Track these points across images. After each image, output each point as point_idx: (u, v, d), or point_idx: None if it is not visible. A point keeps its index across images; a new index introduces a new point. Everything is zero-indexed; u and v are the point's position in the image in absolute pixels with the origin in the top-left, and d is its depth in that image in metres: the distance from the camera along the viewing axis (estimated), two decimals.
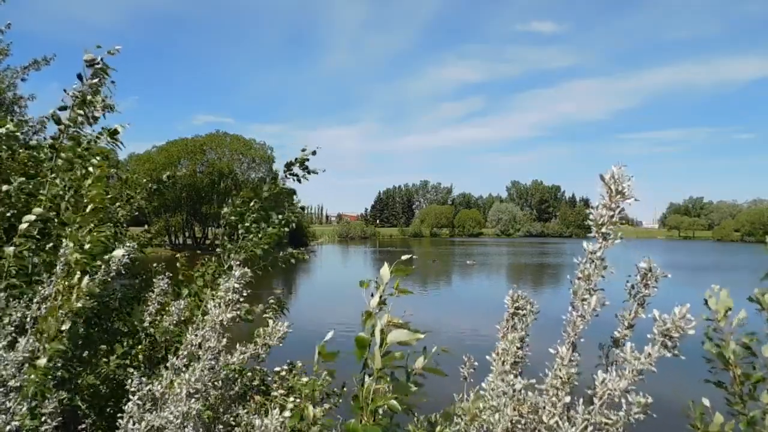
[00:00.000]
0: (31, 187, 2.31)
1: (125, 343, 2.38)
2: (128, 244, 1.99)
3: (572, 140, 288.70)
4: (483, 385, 1.30)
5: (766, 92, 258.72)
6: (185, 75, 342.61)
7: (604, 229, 1.05)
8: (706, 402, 1.24)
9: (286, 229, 3.12)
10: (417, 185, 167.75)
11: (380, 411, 1.34)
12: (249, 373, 2.29)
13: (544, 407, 1.08)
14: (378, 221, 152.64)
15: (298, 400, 2.09)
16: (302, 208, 3.79)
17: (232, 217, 2.98)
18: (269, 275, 3.21)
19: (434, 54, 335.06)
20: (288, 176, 3.08)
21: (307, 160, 3.05)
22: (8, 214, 2.22)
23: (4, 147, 2.42)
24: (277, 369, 2.92)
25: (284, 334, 1.93)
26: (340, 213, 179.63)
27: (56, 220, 2.26)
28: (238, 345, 1.95)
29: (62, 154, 2.35)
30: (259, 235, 2.96)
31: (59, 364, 1.70)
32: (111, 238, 2.28)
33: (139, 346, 2.43)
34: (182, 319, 2.46)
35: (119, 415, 1.43)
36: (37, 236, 2.16)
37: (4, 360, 1.45)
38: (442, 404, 1.57)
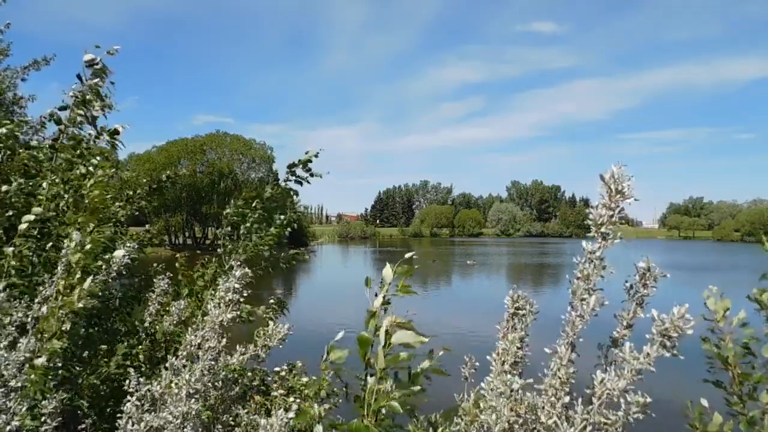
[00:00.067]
0: (31, 187, 2.31)
1: (125, 343, 2.39)
2: (129, 245, 1.99)
3: (572, 140, 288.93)
4: (483, 385, 1.30)
5: (766, 92, 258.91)
6: (185, 75, 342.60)
7: (603, 229, 1.05)
8: (705, 402, 1.24)
9: (289, 230, 3.13)
10: (417, 185, 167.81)
11: (382, 411, 1.34)
12: (249, 374, 2.29)
13: (543, 407, 1.08)
14: (378, 221, 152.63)
15: (299, 400, 2.09)
16: (306, 207, 3.80)
17: (234, 218, 2.99)
18: (269, 275, 3.21)
19: (434, 54, 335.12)
20: (291, 179, 3.08)
21: (310, 161, 3.05)
22: (8, 214, 2.22)
23: (2, 147, 2.42)
24: (277, 369, 2.92)
25: (284, 336, 1.93)
26: (340, 213, 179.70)
27: (56, 220, 2.26)
28: (238, 346, 1.95)
29: (62, 154, 2.36)
30: (261, 236, 2.97)
31: (59, 364, 1.70)
32: (111, 238, 2.28)
33: (140, 346, 2.43)
34: (182, 319, 2.46)
35: (119, 415, 1.43)
36: (37, 236, 2.17)
37: (5, 360, 1.45)
38: (442, 404, 1.57)
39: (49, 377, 1.59)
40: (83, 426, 2.05)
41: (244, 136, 68.67)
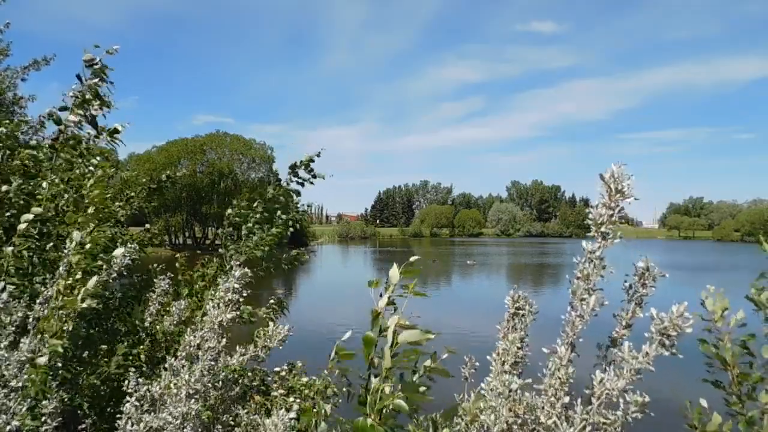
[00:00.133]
0: (30, 187, 2.31)
1: (126, 343, 2.39)
2: (130, 246, 1.99)
3: (572, 140, 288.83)
4: (483, 385, 1.30)
5: (766, 92, 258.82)
6: (185, 75, 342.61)
7: (603, 228, 1.04)
8: (704, 403, 1.24)
9: (292, 230, 3.13)
10: (417, 185, 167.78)
11: (385, 411, 1.34)
12: (249, 374, 2.29)
13: (543, 407, 1.08)
14: (378, 221, 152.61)
15: (299, 400, 2.09)
16: (309, 205, 3.80)
17: (236, 218, 3.00)
18: (269, 275, 3.22)
19: (434, 54, 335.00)
20: (294, 181, 3.09)
21: (312, 161, 3.06)
22: (8, 215, 2.22)
23: (2, 147, 2.42)
24: (277, 369, 2.92)
25: (284, 337, 1.93)
26: (340, 213, 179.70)
27: (56, 219, 2.26)
28: (238, 347, 1.95)
29: (62, 154, 2.36)
30: (261, 236, 2.97)
31: (59, 364, 1.70)
32: (111, 238, 2.29)
33: (141, 346, 2.43)
34: (182, 319, 2.46)
35: (119, 415, 1.43)
36: (36, 236, 2.17)
37: (6, 360, 1.45)
38: (442, 404, 1.57)
39: (50, 377, 1.59)
40: (83, 426, 2.05)
41: (244, 136, 68.79)
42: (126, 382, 1.51)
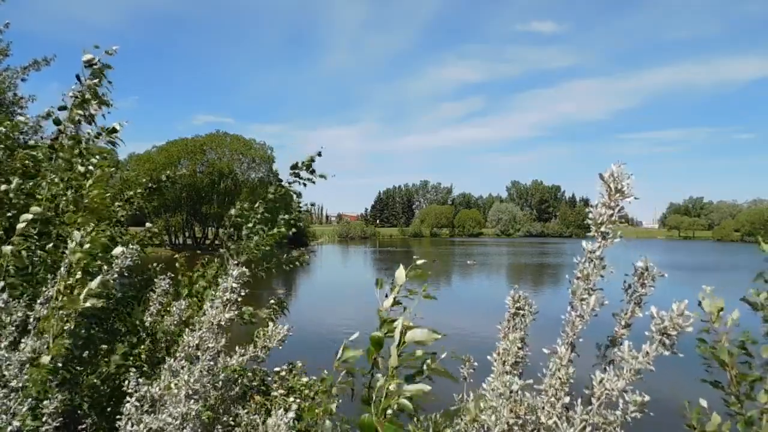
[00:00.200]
0: (30, 187, 2.31)
1: (126, 343, 2.39)
2: (132, 246, 1.99)
3: (572, 140, 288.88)
4: (484, 385, 1.30)
5: (766, 92, 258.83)
6: (185, 75, 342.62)
7: (603, 228, 1.04)
8: (704, 403, 1.24)
9: (293, 230, 3.14)
10: (417, 185, 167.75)
11: (389, 410, 1.34)
12: (249, 374, 2.29)
13: (543, 407, 1.08)
14: (378, 221, 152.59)
15: (299, 400, 2.09)
16: (312, 205, 3.81)
17: (238, 219, 3.00)
18: (270, 275, 3.22)
19: (434, 54, 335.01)
20: (296, 181, 3.09)
21: (313, 161, 3.07)
22: (8, 215, 2.22)
23: (1, 147, 2.42)
24: (277, 369, 2.92)
25: (284, 337, 1.93)
26: (340, 213, 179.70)
27: (56, 219, 2.26)
28: (237, 347, 1.95)
29: (61, 154, 2.36)
30: (262, 236, 2.98)
31: (60, 364, 1.70)
32: (111, 238, 2.28)
33: (141, 346, 2.43)
34: (183, 319, 2.46)
35: (120, 415, 1.43)
36: (36, 236, 2.17)
37: (7, 360, 1.45)
38: (442, 404, 1.57)
39: (51, 377, 1.59)
40: (83, 426, 2.05)
41: (244, 136, 68.68)
42: (126, 382, 1.51)
